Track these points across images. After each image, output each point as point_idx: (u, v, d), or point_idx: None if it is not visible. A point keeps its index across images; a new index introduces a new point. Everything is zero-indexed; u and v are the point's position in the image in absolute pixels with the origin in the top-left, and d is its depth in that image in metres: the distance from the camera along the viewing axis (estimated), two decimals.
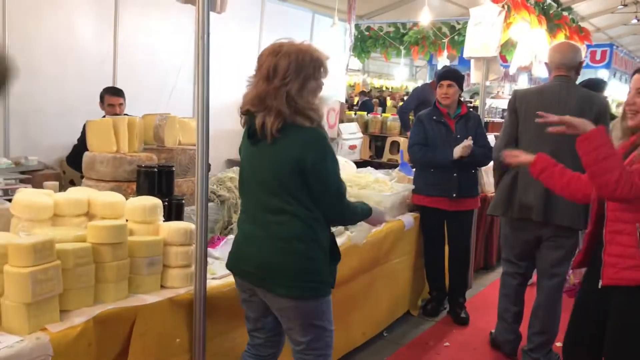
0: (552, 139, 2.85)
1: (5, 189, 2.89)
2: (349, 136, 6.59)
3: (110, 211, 2.36)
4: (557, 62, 3.30)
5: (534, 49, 5.19)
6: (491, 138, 5.83)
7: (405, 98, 10.84)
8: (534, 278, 3.77)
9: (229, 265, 2.29)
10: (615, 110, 5.94)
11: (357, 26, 7.40)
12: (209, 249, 2.75)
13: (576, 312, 2.51)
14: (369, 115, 7.37)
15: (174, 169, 2.93)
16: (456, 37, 6.77)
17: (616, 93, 11.79)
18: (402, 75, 10.82)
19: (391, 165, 6.08)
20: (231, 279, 2.56)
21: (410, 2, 9.96)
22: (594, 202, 2.37)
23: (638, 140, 2.26)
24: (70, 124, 4.43)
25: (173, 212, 2.75)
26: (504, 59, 6.16)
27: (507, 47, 5.62)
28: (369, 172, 4.32)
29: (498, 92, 10.26)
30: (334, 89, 6.66)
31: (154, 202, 2.38)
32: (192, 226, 2.37)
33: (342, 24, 6.40)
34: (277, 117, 2.01)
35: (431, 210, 4.07)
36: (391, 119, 7.01)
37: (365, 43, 7.52)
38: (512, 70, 5.46)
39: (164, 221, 2.44)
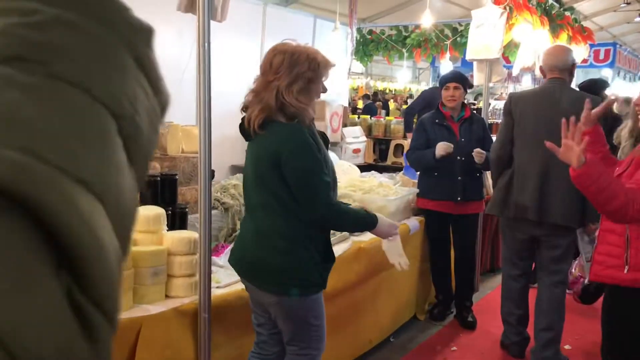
0: (547, 140, 2.98)
1: None
2: (352, 140, 6.57)
3: None
4: (550, 65, 3.34)
5: (537, 50, 5.16)
6: (494, 138, 5.82)
7: (409, 100, 10.83)
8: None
9: (229, 261, 2.34)
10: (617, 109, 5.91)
11: (359, 30, 7.39)
12: (213, 258, 2.74)
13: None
14: (372, 118, 7.36)
15: (177, 177, 2.92)
16: (458, 39, 6.75)
17: (620, 92, 11.74)
18: (405, 77, 10.82)
19: (395, 169, 6.06)
20: (236, 287, 2.55)
21: (412, 4, 9.95)
22: None
23: None
24: None
25: (177, 220, 2.75)
26: (507, 60, 6.13)
27: (510, 48, 5.60)
28: (373, 176, 4.31)
29: (502, 93, 10.23)
30: (336, 93, 6.65)
31: (157, 211, 2.38)
32: (196, 235, 2.36)
33: (343, 28, 6.39)
34: (261, 112, 2.06)
35: (436, 213, 4.05)
36: (395, 122, 6.99)
37: (367, 46, 7.51)
38: (515, 71, 5.44)
39: (167, 230, 2.44)
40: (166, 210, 2.47)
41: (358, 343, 3.43)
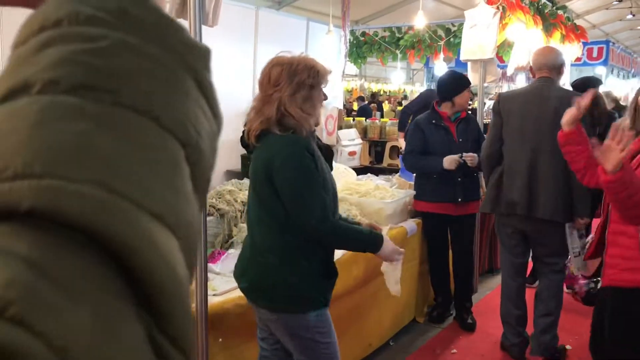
0: (533, 138, 3.28)
1: None
2: (348, 142, 6.55)
3: None
4: (539, 64, 3.42)
5: (531, 49, 5.15)
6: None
7: (403, 102, 10.82)
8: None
9: (234, 275, 2.32)
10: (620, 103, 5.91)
11: (352, 32, 7.38)
12: (210, 265, 2.71)
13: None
14: (367, 120, 7.34)
15: None
16: (452, 40, 6.75)
17: (614, 90, 11.77)
18: (399, 79, 10.81)
19: (391, 171, 6.04)
20: (232, 294, 2.52)
21: (404, 6, 9.95)
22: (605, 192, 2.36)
23: None
24: None
25: None
26: (501, 60, 6.13)
27: (503, 47, 5.59)
28: (370, 179, 4.28)
29: (496, 93, 10.23)
30: (331, 95, 6.63)
31: None
32: None
33: (337, 31, 6.38)
34: (260, 124, 2.04)
35: (436, 216, 4.02)
36: (390, 123, 6.96)
37: (361, 48, 7.50)
38: (509, 71, 5.43)
39: None
40: None
41: (358, 347, 3.40)
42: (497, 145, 3.47)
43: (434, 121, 3.98)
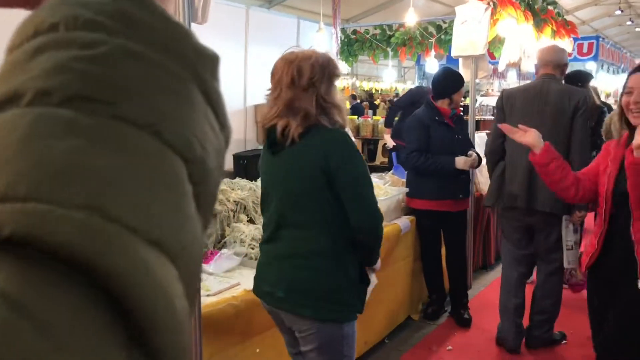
0: None
1: None
2: None
3: None
4: (545, 60, 3.49)
5: (522, 45, 5.17)
6: (482, 136, 5.81)
7: (395, 100, 10.79)
8: (534, 276, 3.77)
9: (254, 289, 2.15)
10: (602, 100, 5.94)
11: (343, 30, 7.36)
12: (203, 265, 2.69)
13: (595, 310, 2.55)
14: (359, 119, 7.34)
15: None
16: (443, 37, 6.74)
17: (604, 85, 11.82)
18: (390, 77, 10.81)
19: (384, 168, 6.04)
20: (226, 294, 2.50)
21: (395, 3, 9.96)
22: (607, 201, 2.35)
23: None
24: None
25: None
26: (492, 56, 6.13)
27: (494, 44, 5.59)
28: None
29: (488, 89, 10.24)
30: None
31: None
32: None
33: (328, 29, 6.36)
34: (303, 120, 1.92)
35: (433, 213, 3.99)
36: (382, 121, 6.97)
37: (352, 47, 7.49)
38: (501, 67, 5.43)
39: None
40: None
41: None
42: (500, 140, 3.56)
43: (436, 118, 3.94)
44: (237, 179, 3.66)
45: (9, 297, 0.25)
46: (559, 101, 3.34)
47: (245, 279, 2.63)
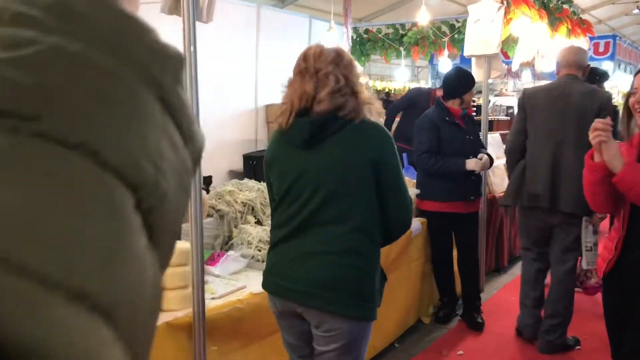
0: (557, 132, 3.37)
1: None
2: None
3: None
4: (568, 60, 3.49)
5: (536, 44, 5.08)
6: (496, 136, 5.73)
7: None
8: (549, 279, 3.72)
9: (266, 286, 2.06)
10: (620, 100, 5.84)
11: (355, 29, 7.30)
12: (209, 267, 2.66)
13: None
14: None
15: None
16: (456, 36, 6.66)
17: (621, 84, 11.63)
18: (403, 76, 10.70)
19: None
20: (232, 298, 2.46)
21: (408, 2, 9.87)
22: (625, 205, 2.29)
23: None
24: None
25: None
26: (506, 56, 6.05)
27: (508, 43, 5.51)
28: None
29: (502, 89, 10.11)
30: None
31: None
32: (188, 245, 2.27)
33: (339, 28, 6.31)
34: (353, 113, 1.87)
35: (445, 215, 3.93)
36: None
37: (364, 46, 7.42)
38: (514, 67, 5.35)
39: None
40: None
41: None
42: (521, 139, 3.57)
43: (447, 118, 3.87)
44: (246, 180, 3.62)
45: None
46: (582, 102, 3.33)
47: (252, 282, 2.60)
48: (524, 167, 3.55)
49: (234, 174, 5.54)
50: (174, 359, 2.17)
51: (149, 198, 0.29)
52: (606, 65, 10.60)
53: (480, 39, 4.43)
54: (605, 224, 4.34)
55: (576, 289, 3.74)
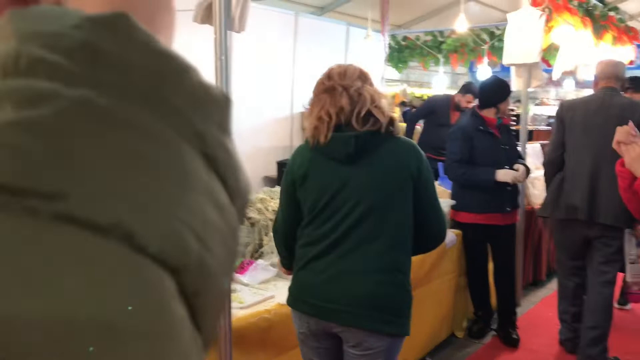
0: (596, 144, 3.35)
1: None
2: None
3: None
4: (608, 73, 3.47)
5: (579, 52, 4.93)
6: (536, 147, 5.59)
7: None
8: None
9: (298, 306, 2.01)
10: None
11: (393, 36, 7.26)
12: (237, 275, 2.65)
13: None
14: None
15: None
16: (496, 43, 6.55)
17: None
18: (442, 83, 10.57)
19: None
20: (259, 307, 2.44)
21: (448, 9, 9.75)
22: None
23: None
24: None
25: None
26: (548, 64, 5.91)
27: (550, 51, 5.38)
28: None
29: (542, 98, 9.88)
30: None
31: None
32: None
33: (376, 35, 6.27)
34: (388, 126, 1.90)
35: (480, 227, 3.84)
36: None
37: (402, 53, 7.37)
38: (555, 76, 5.21)
39: None
40: None
41: None
42: (559, 151, 3.58)
43: (480, 127, 3.79)
44: (277, 188, 3.60)
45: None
46: (622, 114, 3.28)
47: (280, 292, 2.57)
48: (562, 179, 3.55)
49: (268, 180, 5.56)
50: None
51: (192, 281, 0.24)
52: None
53: (520, 47, 4.32)
54: None
55: (619, 306, 3.65)
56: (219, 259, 0.26)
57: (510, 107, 8.80)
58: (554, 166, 3.63)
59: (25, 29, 0.24)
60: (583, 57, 4.94)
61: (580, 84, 8.99)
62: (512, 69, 4.62)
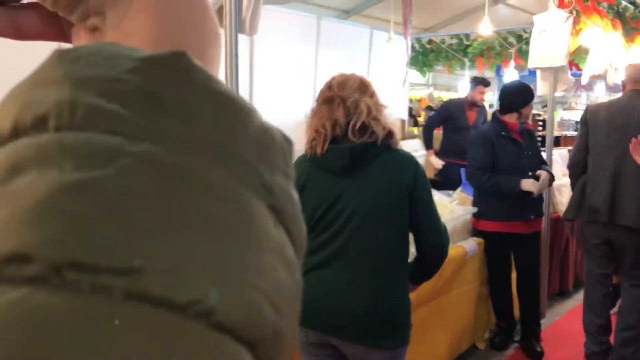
0: (618, 146, 3.36)
1: None
2: (412, 154, 6.32)
3: None
4: (635, 76, 3.44)
5: (609, 56, 4.77)
6: (563, 153, 5.44)
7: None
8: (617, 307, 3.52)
9: (307, 325, 1.96)
10: None
11: (418, 40, 7.16)
12: None
13: None
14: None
15: None
16: (523, 47, 6.40)
17: None
18: (467, 87, 10.42)
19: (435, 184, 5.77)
20: None
21: (476, 13, 9.60)
22: None
23: None
24: None
25: None
26: (578, 68, 5.75)
27: (579, 54, 5.22)
28: None
29: (571, 103, 9.64)
30: (394, 106, 6.44)
31: None
32: None
33: (399, 38, 6.19)
34: (386, 138, 1.88)
35: (503, 235, 3.74)
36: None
37: (427, 57, 7.26)
38: (584, 80, 5.05)
39: None
40: None
41: None
42: (582, 154, 3.58)
43: (503, 133, 3.70)
44: None
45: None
46: None
47: None
48: (585, 181, 3.55)
49: None
50: None
51: (268, 351, 0.22)
52: None
53: (546, 50, 4.20)
54: None
55: None
56: (290, 320, 0.24)
57: (537, 112, 8.64)
58: (577, 169, 3.63)
59: (78, 74, 0.22)
60: (613, 60, 4.78)
61: (611, 88, 8.76)
62: (538, 73, 4.50)
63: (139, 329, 0.18)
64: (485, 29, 5.49)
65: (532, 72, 6.48)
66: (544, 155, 4.09)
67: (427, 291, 3.25)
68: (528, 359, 3.80)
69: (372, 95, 1.95)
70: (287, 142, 0.26)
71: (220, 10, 2.14)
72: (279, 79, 5.38)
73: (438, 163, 5.91)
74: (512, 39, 6.64)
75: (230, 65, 2.11)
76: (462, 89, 10.66)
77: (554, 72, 4.31)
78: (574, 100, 10.00)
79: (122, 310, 0.18)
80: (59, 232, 0.19)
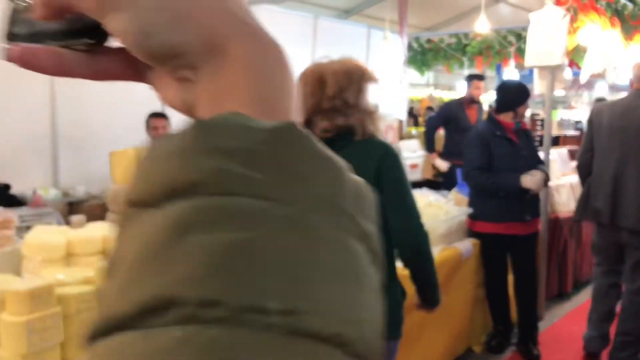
0: (619, 147, 3.37)
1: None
2: (409, 155, 6.28)
3: None
4: (638, 75, 3.41)
5: (607, 54, 4.71)
6: (563, 152, 5.38)
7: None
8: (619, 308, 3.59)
9: None
10: None
11: (417, 39, 7.11)
12: None
13: None
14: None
15: None
16: (523, 45, 6.34)
17: None
18: (465, 87, 10.38)
19: (436, 184, 5.72)
20: None
21: (475, 12, 9.57)
22: None
23: None
24: None
25: None
26: (577, 66, 5.69)
27: (578, 53, 5.17)
28: (424, 195, 4.01)
29: (571, 102, 9.57)
30: (392, 105, 6.39)
31: None
32: None
33: (395, 37, 6.15)
34: (353, 128, 1.83)
35: (499, 236, 3.69)
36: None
37: (425, 56, 7.21)
38: (582, 79, 5.00)
39: None
40: None
41: None
42: (588, 155, 3.60)
43: (497, 132, 3.65)
44: None
45: None
46: None
47: None
48: (590, 182, 3.58)
49: None
50: None
51: None
52: None
53: (543, 48, 4.14)
54: None
55: None
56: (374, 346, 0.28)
57: (537, 112, 8.57)
58: (583, 170, 3.65)
59: (223, 145, 0.25)
60: (612, 59, 4.72)
61: (614, 87, 8.70)
62: (535, 72, 4.44)
63: (301, 355, 0.23)
64: (482, 27, 5.44)
65: (532, 71, 6.43)
66: (541, 155, 4.04)
67: None
68: None
69: (348, 80, 1.89)
70: (372, 192, 0.30)
71: None
72: None
73: (444, 165, 5.84)
74: (511, 38, 6.59)
75: None
76: (460, 88, 10.62)
77: (552, 71, 4.25)
78: (575, 99, 9.93)
79: (285, 343, 0.23)
80: (237, 283, 0.23)
